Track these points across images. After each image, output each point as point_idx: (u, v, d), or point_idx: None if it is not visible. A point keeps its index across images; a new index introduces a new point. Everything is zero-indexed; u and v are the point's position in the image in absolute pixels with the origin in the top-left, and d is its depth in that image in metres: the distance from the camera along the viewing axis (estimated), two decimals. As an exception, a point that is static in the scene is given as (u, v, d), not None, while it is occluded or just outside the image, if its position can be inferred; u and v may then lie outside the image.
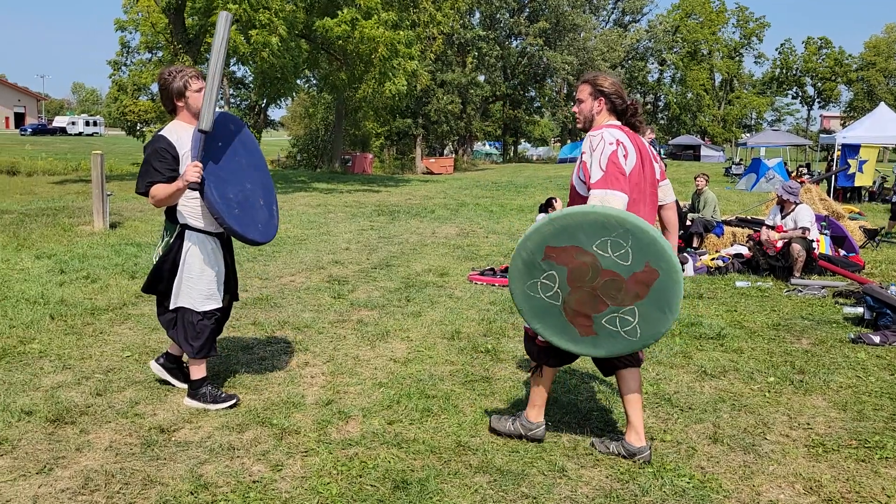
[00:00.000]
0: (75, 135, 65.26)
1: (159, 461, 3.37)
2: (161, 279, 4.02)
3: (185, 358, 4.36)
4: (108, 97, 48.53)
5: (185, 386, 4.27)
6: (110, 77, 40.65)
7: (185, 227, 3.96)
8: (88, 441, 3.56)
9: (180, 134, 3.90)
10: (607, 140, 3.26)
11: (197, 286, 4.00)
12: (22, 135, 58.84)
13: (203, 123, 3.76)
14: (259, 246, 4.13)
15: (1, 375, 4.44)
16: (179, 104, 3.94)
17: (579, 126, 3.53)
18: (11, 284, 6.87)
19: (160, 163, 3.80)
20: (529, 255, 3.22)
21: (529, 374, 3.61)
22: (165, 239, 4.03)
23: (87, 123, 70.27)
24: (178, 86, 3.90)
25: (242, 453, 3.48)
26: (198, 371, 4.08)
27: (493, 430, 3.75)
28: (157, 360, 4.34)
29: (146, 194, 3.84)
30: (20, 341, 5.14)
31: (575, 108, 3.55)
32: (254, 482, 3.20)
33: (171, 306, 4.02)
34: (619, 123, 3.46)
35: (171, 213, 3.98)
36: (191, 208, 3.93)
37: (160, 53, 36.60)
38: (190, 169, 3.72)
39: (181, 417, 3.89)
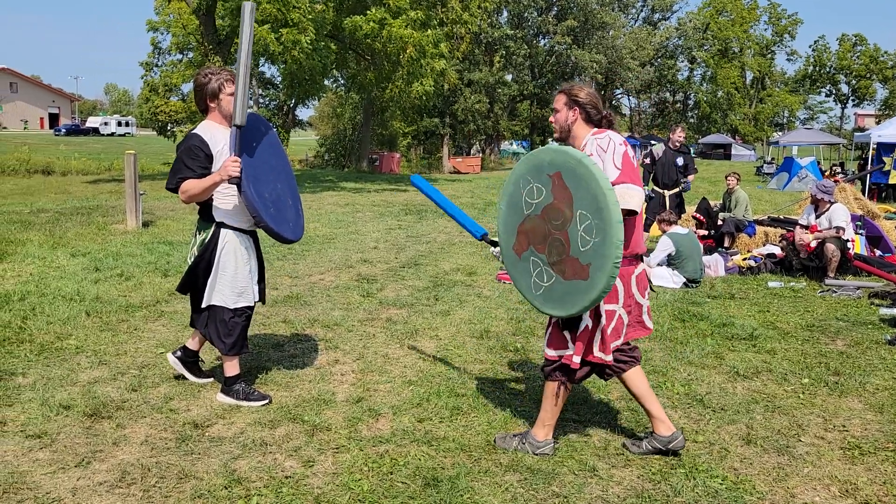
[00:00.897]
0: (108, 135, 66.31)
1: (194, 456, 3.42)
2: (197, 278, 4.07)
3: (201, 354, 4.40)
4: (140, 98, 49.28)
5: (200, 381, 4.38)
6: (142, 78, 41.28)
7: (221, 225, 4.01)
8: (125, 435, 3.63)
9: (213, 133, 3.95)
10: (616, 141, 3.33)
11: (230, 284, 4.04)
12: (56, 135, 59.91)
13: (237, 118, 3.78)
14: (289, 244, 4.18)
15: (40, 370, 4.53)
16: (212, 105, 4.00)
17: (556, 135, 3.60)
18: (48, 282, 7.00)
19: (192, 160, 3.85)
20: (544, 164, 3.31)
21: (551, 393, 3.54)
22: (200, 237, 4.06)
23: (119, 124, 71.35)
24: (213, 87, 3.95)
25: (275, 449, 3.52)
26: (231, 368, 4.13)
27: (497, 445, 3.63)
28: (174, 353, 4.40)
29: (176, 190, 3.89)
30: (57, 337, 5.25)
31: (552, 118, 3.61)
32: (286, 477, 3.23)
33: (204, 304, 4.07)
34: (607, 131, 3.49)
35: (207, 211, 4.02)
36: (227, 206, 3.98)
37: (191, 54, 37.08)
38: (229, 163, 3.75)
39: (214, 413, 3.94)
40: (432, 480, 3.21)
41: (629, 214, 3.25)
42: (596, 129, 3.48)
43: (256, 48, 19.61)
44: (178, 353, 4.39)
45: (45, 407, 3.92)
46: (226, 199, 3.97)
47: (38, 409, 3.89)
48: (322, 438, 3.65)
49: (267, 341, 5.32)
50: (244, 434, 3.68)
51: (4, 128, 41.86)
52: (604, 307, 3.35)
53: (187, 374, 4.40)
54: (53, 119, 74.14)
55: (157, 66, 40.93)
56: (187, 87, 39.49)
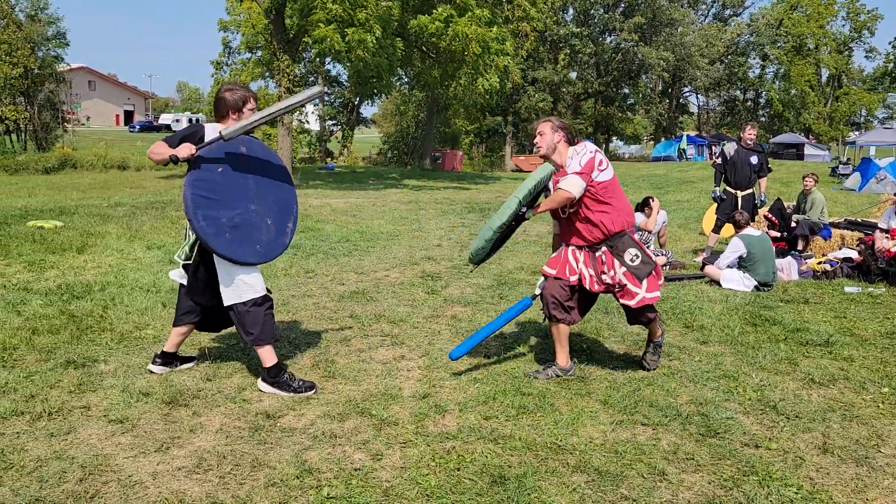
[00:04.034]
0: (179, 132, 68.18)
1: (266, 445, 3.51)
2: (197, 278, 4.25)
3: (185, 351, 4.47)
4: (210, 95, 50.63)
5: (186, 366, 4.56)
6: (212, 76, 42.43)
7: None
8: (201, 423, 3.75)
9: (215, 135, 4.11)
10: (588, 148, 4.43)
11: (235, 277, 4.10)
12: (131, 131, 62.01)
13: (226, 132, 4.01)
14: (257, 265, 4.23)
15: (120, 358, 4.72)
16: (234, 116, 4.18)
17: (541, 153, 4.53)
18: (126, 273, 7.28)
19: (182, 136, 4.06)
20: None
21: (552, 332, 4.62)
22: (193, 237, 4.24)
23: (190, 121, 73.31)
24: (236, 98, 4.17)
25: (344, 441, 3.58)
26: (268, 358, 4.18)
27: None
28: (153, 363, 4.47)
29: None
30: (136, 326, 5.45)
31: (537, 141, 4.53)
32: (355, 470, 3.29)
33: (226, 303, 4.15)
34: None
35: None
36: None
37: (259, 53, 37.92)
38: (185, 148, 3.95)
39: (285, 404, 4.03)
40: (499, 478, 3.22)
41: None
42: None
43: (323, 47, 19.92)
44: (158, 362, 4.47)
45: (126, 393, 4.08)
46: None
47: (119, 396, 4.06)
48: (390, 433, 3.70)
49: (334, 336, 5.42)
50: (314, 426, 3.75)
51: (83, 124, 43.65)
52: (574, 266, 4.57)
53: (170, 368, 4.49)
54: (128, 116, 76.74)
55: (227, 64, 42.02)
56: (255, 86, 40.41)
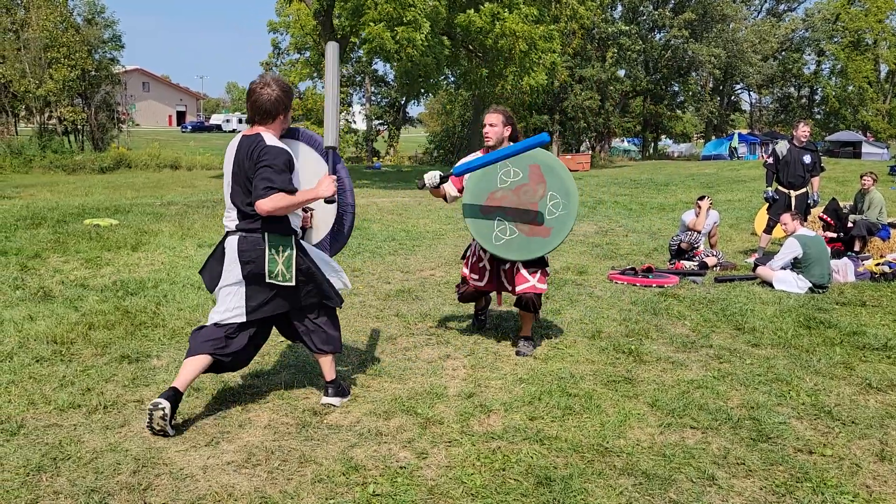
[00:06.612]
0: (229, 131, 69.37)
1: (313, 442, 3.55)
2: (306, 293, 3.84)
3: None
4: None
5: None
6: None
7: (294, 233, 3.78)
8: (249, 419, 3.81)
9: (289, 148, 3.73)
10: None
11: (336, 273, 4.03)
12: (183, 132, 63.41)
13: (331, 140, 3.81)
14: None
15: (172, 354, 4.82)
16: (281, 117, 3.72)
17: (490, 143, 4.91)
18: (178, 270, 7.43)
19: (290, 175, 3.59)
20: (525, 157, 4.76)
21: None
22: (284, 254, 3.67)
23: (240, 121, 74.34)
24: (288, 96, 3.70)
25: (389, 439, 3.60)
26: (335, 368, 4.07)
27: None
28: (166, 399, 3.52)
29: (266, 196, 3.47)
30: (187, 323, 5.56)
31: (487, 130, 4.91)
32: (401, 468, 3.30)
33: (336, 305, 4.00)
34: None
35: (281, 225, 3.69)
36: (296, 214, 3.82)
37: (307, 54, 38.37)
38: (330, 182, 3.64)
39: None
40: (545, 479, 3.20)
41: None
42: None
43: (373, 46, 20.05)
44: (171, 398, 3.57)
45: (178, 388, 4.16)
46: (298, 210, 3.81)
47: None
48: (435, 432, 3.70)
49: (380, 334, 5.45)
50: (360, 423, 3.78)
51: (137, 124, 44.76)
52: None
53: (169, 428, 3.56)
54: (181, 116, 78.42)
55: (276, 65, 42.60)
56: (304, 86, 40.93)
